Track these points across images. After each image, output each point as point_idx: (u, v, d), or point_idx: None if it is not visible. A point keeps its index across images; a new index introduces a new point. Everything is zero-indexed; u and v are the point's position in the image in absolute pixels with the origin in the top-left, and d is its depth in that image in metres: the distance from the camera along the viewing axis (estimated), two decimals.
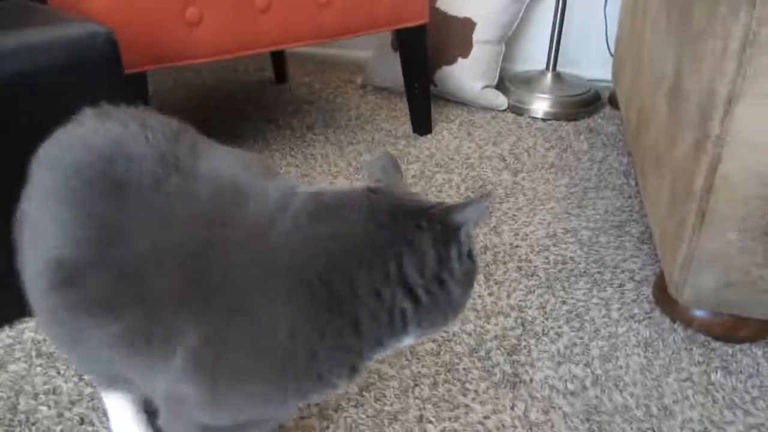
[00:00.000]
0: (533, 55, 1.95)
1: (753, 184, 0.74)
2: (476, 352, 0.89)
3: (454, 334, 0.92)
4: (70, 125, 0.59)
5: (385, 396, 0.81)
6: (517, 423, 0.78)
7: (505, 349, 0.90)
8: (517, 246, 1.14)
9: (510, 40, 1.86)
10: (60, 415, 0.78)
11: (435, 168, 1.44)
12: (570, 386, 0.83)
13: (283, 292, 0.50)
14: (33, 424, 0.76)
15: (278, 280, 0.50)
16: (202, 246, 0.51)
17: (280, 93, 1.92)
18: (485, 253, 1.12)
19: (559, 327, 0.94)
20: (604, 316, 0.96)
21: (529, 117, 1.75)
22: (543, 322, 0.95)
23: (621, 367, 0.87)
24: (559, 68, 1.84)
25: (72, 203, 0.53)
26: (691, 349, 0.90)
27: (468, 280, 0.53)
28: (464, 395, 0.82)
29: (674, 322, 0.94)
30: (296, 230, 0.51)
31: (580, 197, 1.32)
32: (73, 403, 0.79)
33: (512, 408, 0.80)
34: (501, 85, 1.84)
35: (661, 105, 0.97)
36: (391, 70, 1.80)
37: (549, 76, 1.84)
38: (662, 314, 0.96)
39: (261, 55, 2.05)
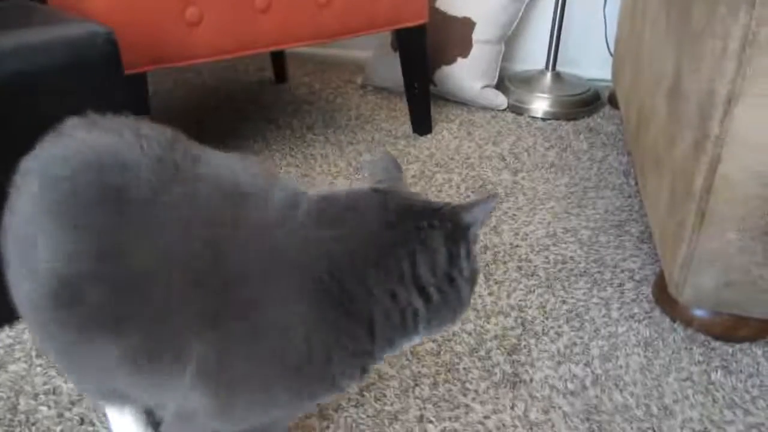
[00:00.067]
0: (533, 55, 1.95)
1: (752, 184, 0.74)
2: (476, 352, 0.89)
3: (454, 334, 0.92)
4: (57, 136, 0.56)
5: (385, 396, 0.81)
6: (517, 423, 0.78)
7: (505, 348, 0.90)
8: (517, 246, 1.14)
9: (509, 39, 1.86)
10: (60, 415, 0.78)
11: (435, 168, 1.44)
12: (570, 386, 0.83)
13: (298, 296, 0.49)
14: (33, 424, 0.76)
15: (292, 284, 0.49)
16: (211, 252, 0.49)
17: (280, 93, 1.92)
18: (485, 253, 1.12)
19: (559, 327, 0.94)
20: (604, 316, 0.97)
21: (529, 116, 1.75)
22: (543, 321, 0.95)
23: (621, 366, 0.87)
24: (558, 68, 1.85)
25: (67, 216, 0.51)
26: (691, 349, 0.90)
27: (474, 278, 0.54)
28: (464, 395, 0.82)
29: (674, 321, 0.94)
30: (307, 231, 0.51)
31: (579, 197, 1.32)
32: (73, 403, 0.79)
33: (512, 408, 0.80)
34: (501, 85, 1.84)
35: (661, 105, 0.97)
36: (390, 70, 1.80)
37: (548, 75, 1.84)
38: (662, 314, 0.97)
39: (261, 55, 2.05)
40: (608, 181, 1.38)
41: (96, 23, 0.93)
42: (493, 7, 1.76)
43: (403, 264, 0.50)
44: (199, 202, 0.51)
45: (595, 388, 0.83)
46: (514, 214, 1.25)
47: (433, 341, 0.90)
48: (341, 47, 2.09)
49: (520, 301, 1.00)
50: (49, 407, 0.79)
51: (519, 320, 0.95)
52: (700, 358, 0.88)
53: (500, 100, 1.78)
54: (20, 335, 0.91)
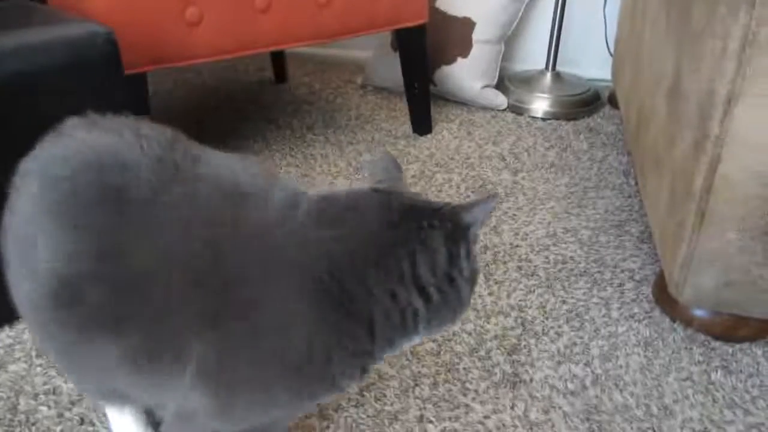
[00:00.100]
0: (533, 55, 1.95)
1: (752, 184, 0.74)
2: (476, 352, 0.89)
3: (454, 334, 0.92)
4: (57, 136, 0.56)
5: (385, 396, 0.81)
6: (517, 422, 0.78)
7: (505, 348, 0.90)
8: (517, 245, 1.14)
9: (509, 39, 1.86)
10: (60, 415, 0.78)
11: (435, 168, 1.44)
12: (570, 386, 0.83)
13: (298, 296, 0.49)
14: (33, 424, 0.76)
15: (292, 283, 0.49)
16: (211, 252, 0.49)
17: (280, 93, 1.92)
18: (485, 253, 1.12)
19: (559, 326, 0.94)
20: (604, 316, 0.97)
21: (529, 116, 1.75)
22: (543, 321, 0.95)
23: (621, 366, 0.87)
24: (558, 68, 1.85)
25: (67, 216, 0.51)
26: (691, 349, 0.90)
27: (474, 278, 0.54)
28: (464, 395, 0.82)
29: (674, 321, 0.94)
30: (307, 231, 0.51)
31: (579, 197, 1.32)
32: (73, 403, 0.79)
33: (512, 408, 0.80)
34: (501, 85, 1.84)
35: (661, 105, 0.97)
36: (390, 70, 1.80)
37: (548, 75, 1.84)
38: (662, 314, 0.97)
39: (261, 55, 2.05)
40: (608, 181, 1.38)
41: (96, 23, 0.93)
42: (493, 6, 1.76)
43: (403, 264, 0.50)
44: (199, 202, 0.51)
45: (595, 388, 0.83)
46: (514, 214, 1.25)
47: (433, 341, 0.90)
48: (341, 47, 2.09)
49: (520, 301, 1.00)
50: (49, 407, 0.79)
51: (519, 320, 0.95)
52: (700, 358, 0.88)
53: (500, 100, 1.78)
54: (20, 335, 0.91)
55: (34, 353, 0.87)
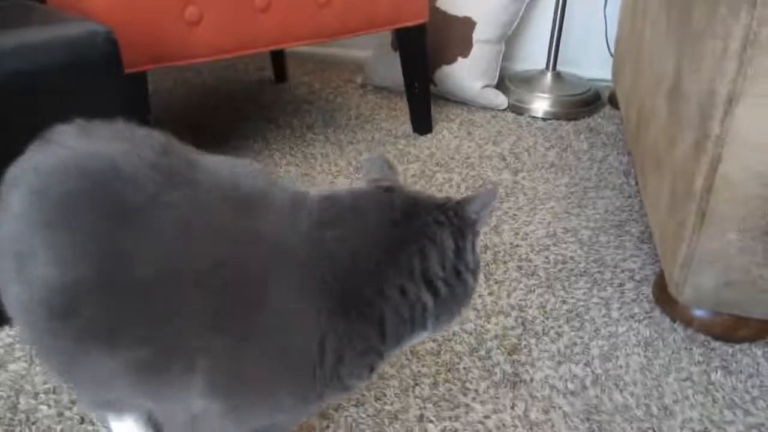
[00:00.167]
0: (533, 55, 1.95)
1: (753, 184, 0.74)
2: (476, 352, 0.89)
3: (454, 334, 0.92)
4: (45, 144, 0.53)
5: (385, 395, 0.81)
6: (517, 422, 0.78)
7: (505, 348, 0.90)
8: (517, 245, 1.14)
9: (510, 39, 1.86)
10: (60, 414, 0.78)
11: (435, 167, 1.44)
12: (570, 386, 0.83)
13: (309, 298, 0.49)
14: (33, 423, 0.76)
15: (302, 285, 0.49)
16: (217, 258, 0.48)
17: (280, 92, 1.92)
18: (485, 253, 1.12)
19: (560, 326, 0.94)
20: (604, 316, 0.97)
21: (529, 116, 1.75)
22: (543, 321, 0.95)
23: (621, 366, 0.87)
24: (559, 68, 1.85)
25: (64, 228, 0.49)
26: (691, 349, 0.90)
27: (477, 270, 0.55)
28: (464, 395, 0.82)
29: (674, 321, 0.94)
30: (313, 232, 0.50)
31: (580, 197, 1.32)
32: (73, 402, 0.79)
33: (512, 407, 0.80)
34: (501, 85, 1.84)
35: (661, 105, 0.97)
36: (390, 69, 1.80)
37: (549, 75, 1.84)
38: (662, 314, 0.96)
39: (261, 55, 2.04)
40: (608, 181, 1.38)
41: (96, 22, 0.93)
42: (494, 6, 1.76)
43: (413, 261, 0.51)
44: (200, 208, 0.50)
45: (595, 388, 0.83)
46: (515, 214, 1.25)
47: (434, 341, 0.90)
48: (341, 46, 2.09)
49: (520, 300, 1.00)
50: (49, 406, 0.79)
51: (519, 320, 0.95)
52: (700, 359, 0.88)
53: (500, 99, 1.78)
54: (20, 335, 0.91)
55: (34, 352, 0.87)
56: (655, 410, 0.80)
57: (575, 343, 0.91)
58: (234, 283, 0.48)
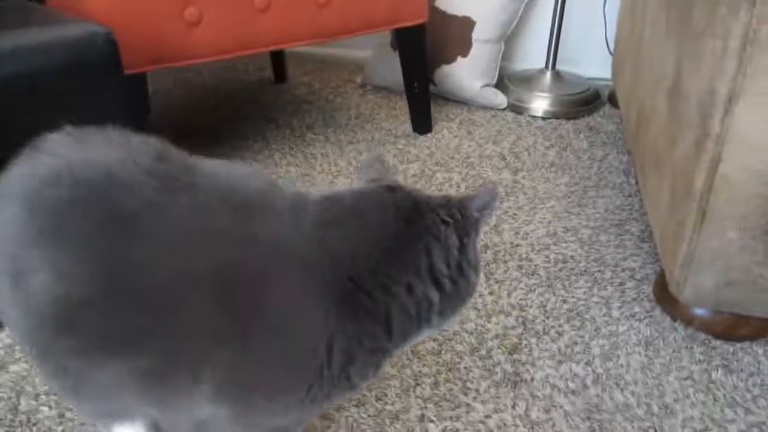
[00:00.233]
0: (532, 54, 1.95)
1: (753, 183, 0.74)
2: (477, 351, 0.89)
3: (455, 333, 0.92)
4: (36, 155, 0.51)
5: (386, 395, 0.81)
6: (518, 422, 0.78)
7: (506, 348, 0.90)
8: (517, 245, 1.14)
9: (509, 38, 1.86)
10: (61, 415, 0.78)
11: (435, 167, 1.44)
12: (571, 385, 0.83)
13: (317, 299, 0.49)
14: (34, 424, 0.76)
15: (310, 287, 0.49)
16: (222, 263, 0.48)
17: (280, 93, 1.92)
18: (486, 252, 1.12)
19: (560, 326, 0.94)
20: (604, 315, 0.97)
21: (529, 116, 1.75)
22: (544, 320, 0.95)
23: (622, 365, 0.87)
24: (558, 67, 1.84)
25: (63, 239, 0.47)
26: (691, 348, 0.90)
27: (479, 266, 0.56)
28: (465, 394, 0.82)
29: (675, 320, 0.94)
30: (318, 233, 0.50)
31: (580, 196, 1.32)
32: None
33: (513, 407, 0.80)
34: (500, 84, 1.84)
35: (661, 104, 0.97)
36: (390, 69, 1.80)
37: (548, 74, 1.84)
38: (663, 313, 0.96)
39: (260, 55, 2.04)
40: (608, 180, 1.38)
41: (95, 23, 0.93)
42: (493, 6, 1.75)
43: (420, 258, 0.51)
44: (201, 212, 0.49)
45: (596, 387, 0.83)
46: (515, 214, 1.25)
47: (434, 341, 0.90)
48: (341, 46, 2.08)
49: (520, 300, 1.00)
50: (50, 407, 0.79)
51: (520, 319, 0.95)
52: (701, 357, 0.88)
53: (500, 99, 1.78)
54: None
55: (34, 362, 0.87)
56: (656, 409, 0.80)
57: (576, 343, 0.91)
58: (237, 286, 0.48)
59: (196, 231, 0.48)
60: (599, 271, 1.07)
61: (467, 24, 1.76)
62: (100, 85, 0.92)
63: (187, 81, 2.02)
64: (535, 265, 1.08)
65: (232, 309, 0.47)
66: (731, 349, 0.89)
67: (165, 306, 0.47)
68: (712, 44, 0.75)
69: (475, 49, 1.76)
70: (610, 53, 1.77)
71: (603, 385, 0.83)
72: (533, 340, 0.91)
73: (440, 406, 0.80)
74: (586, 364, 0.87)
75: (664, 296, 0.95)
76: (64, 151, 0.51)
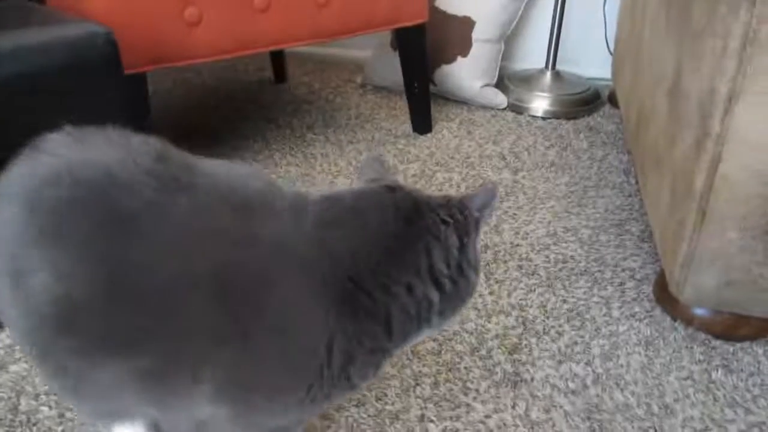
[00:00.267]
0: (532, 54, 1.95)
1: (753, 182, 0.74)
2: (477, 351, 0.89)
3: (455, 333, 0.92)
4: (36, 155, 0.51)
5: (386, 395, 0.81)
6: (518, 422, 0.78)
7: (506, 348, 0.90)
8: (517, 245, 1.14)
9: (509, 38, 1.86)
10: (61, 415, 0.78)
11: (435, 167, 1.44)
12: (571, 385, 0.83)
13: (317, 299, 0.49)
14: (34, 424, 0.76)
15: (310, 287, 0.49)
16: (222, 263, 0.48)
17: (280, 93, 1.92)
18: (486, 252, 1.12)
19: (560, 326, 0.94)
20: (604, 315, 0.96)
21: (529, 115, 1.75)
22: (544, 320, 0.95)
23: (622, 365, 0.87)
24: (558, 66, 1.84)
25: (63, 239, 0.47)
26: (691, 348, 0.90)
27: (478, 266, 0.56)
28: (465, 394, 0.82)
29: (675, 320, 0.94)
30: (318, 233, 0.50)
31: (580, 196, 1.32)
32: None
33: (513, 407, 0.80)
34: (500, 84, 1.84)
35: (661, 104, 0.97)
36: (390, 69, 1.80)
37: (548, 74, 1.84)
38: (663, 313, 0.96)
39: (260, 55, 2.04)
40: (608, 180, 1.38)
41: (95, 23, 0.93)
42: (493, 6, 1.75)
43: (420, 258, 0.51)
44: (201, 212, 0.49)
45: (596, 387, 0.83)
46: (515, 213, 1.25)
47: (434, 340, 0.90)
48: (341, 46, 2.08)
49: (520, 300, 1.00)
50: (50, 407, 0.79)
51: (520, 319, 0.95)
52: (701, 357, 0.88)
53: (500, 99, 1.78)
54: None
55: (34, 363, 0.87)
56: (656, 409, 0.80)
57: (576, 343, 0.91)
58: (237, 286, 0.48)
59: (196, 231, 0.48)
60: (599, 271, 1.07)
61: (467, 24, 1.76)
62: (100, 85, 0.92)
63: (187, 81, 2.02)
64: (535, 265, 1.08)
65: (232, 309, 0.47)
66: (731, 349, 0.89)
67: (165, 306, 0.47)
68: (712, 43, 0.75)
69: (475, 48, 1.76)
70: (610, 53, 1.77)
71: (603, 385, 0.83)
72: (533, 340, 0.91)
73: (440, 406, 0.80)
74: (586, 364, 0.87)
75: (664, 296, 0.95)
76: (64, 151, 0.51)
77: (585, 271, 1.07)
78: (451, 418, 0.78)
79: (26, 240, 0.48)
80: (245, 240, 0.49)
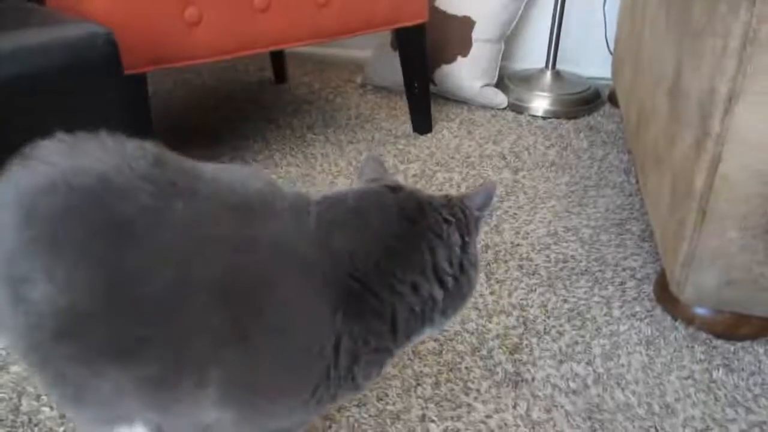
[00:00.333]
0: (532, 54, 1.95)
1: (753, 182, 0.74)
2: (478, 351, 0.89)
3: (456, 333, 0.92)
4: (30, 163, 0.50)
5: (387, 395, 0.81)
6: (519, 422, 0.78)
7: (506, 347, 0.90)
8: (518, 245, 1.14)
9: (509, 38, 1.86)
10: (62, 416, 0.78)
11: (435, 167, 1.44)
12: (572, 385, 0.83)
13: (323, 300, 0.49)
14: (35, 425, 0.76)
15: (315, 288, 0.49)
16: (224, 266, 0.47)
17: (280, 93, 1.92)
18: (486, 252, 1.12)
19: (561, 325, 0.94)
20: (605, 315, 0.96)
21: (529, 115, 1.75)
22: (544, 320, 0.95)
23: (623, 365, 0.87)
24: (558, 66, 1.84)
25: (60, 247, 0.47)
26: (692, 347, 0.90)
27: (478, 263, 0.57)
28: (466, 394, 0.82)
29: (675, 320, 0.94)
30: (322, 234, 0.51)
31: (580, 195, 1.32)
32: None
33: (514, 407, 0.80)
34: (500, 84, 1.84)
35: (661, 104, 0.97)
36: (390, 69, 1.80)
37: (548, 74, 1.84)
38: (663, 312, 0.96)
39: (260, 55, 2.04)
40: (609, 180, 1.38)
41: (95, 24, 0.93)
42: (493, 5, 1.75)
43: (424, 258, 0.52)
44: (201, 216, 0.49)
45: (596, 386, 0.83)
46: (515, 213, 1.25)
47: (435, 341, 0.90)
48: (341, 47, 2.08)
49: (521, 300, 1.00)
50: (51, 408, 0.79)
51: (520, 319, 0.95)
52: (702, 357, 0.88)
53: (500, 98, 1.78)
54: None
55: (35, 373, 0.87)
56: (656, 409, 0.80)
57: (577, 342, 0.91)
58: (239, 289, 0.47)
59: (195, 235, 0.48)
60: (600, 270, 1.07)
61: (467, 24, 1.76)
62: (100, 85, 0.92)
63: (187, 82, 2.02)
64: (536, 265, 1.08)
65: (234, 312, 0.47)
66: (732, 349, 0.89)
67: (165, 312, 0.47)
68: (712, 43, 0.75)
69: (475, 48, 1.76)
70: (610, 53, 1.77)
71: (604, 385, 0.83)
72: (534, 340, 0.91)
73: (441, 406, 0.80)
74: (587, 363, 0.87)
75: (665, 296, 0.95)
76: (58, 159, 0.50)
77: (586, 270, 1.07)
78: (452, 418, 0.78)
79: (22, 249, 0.48)
80: (245, 243, 0.49)
